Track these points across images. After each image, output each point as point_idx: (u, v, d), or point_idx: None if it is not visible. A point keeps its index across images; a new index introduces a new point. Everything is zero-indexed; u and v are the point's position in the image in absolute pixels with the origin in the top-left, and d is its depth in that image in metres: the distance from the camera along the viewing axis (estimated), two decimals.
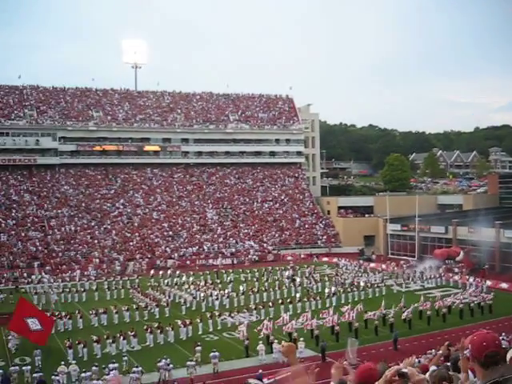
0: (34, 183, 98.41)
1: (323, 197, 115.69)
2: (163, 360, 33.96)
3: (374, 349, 37.07)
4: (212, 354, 35.41)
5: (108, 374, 32.14)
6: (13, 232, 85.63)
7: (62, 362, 33.85)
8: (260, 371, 32.19)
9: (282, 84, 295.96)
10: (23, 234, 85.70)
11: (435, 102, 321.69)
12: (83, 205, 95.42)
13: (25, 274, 73.39)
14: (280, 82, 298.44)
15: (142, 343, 40.73)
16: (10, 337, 41.30)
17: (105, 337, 40.14)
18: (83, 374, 32.06)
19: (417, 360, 29.72)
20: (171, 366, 33.72)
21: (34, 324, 39.58)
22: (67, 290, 60.97)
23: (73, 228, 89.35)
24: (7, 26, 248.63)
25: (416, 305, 48.43)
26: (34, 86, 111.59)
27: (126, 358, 35.25)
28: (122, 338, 39.95)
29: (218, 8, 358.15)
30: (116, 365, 33.72)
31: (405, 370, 4.88)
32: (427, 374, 6.27)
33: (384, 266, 75.80)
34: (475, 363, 4.59)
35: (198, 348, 36.54)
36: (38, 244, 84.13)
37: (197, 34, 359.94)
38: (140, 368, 33.35)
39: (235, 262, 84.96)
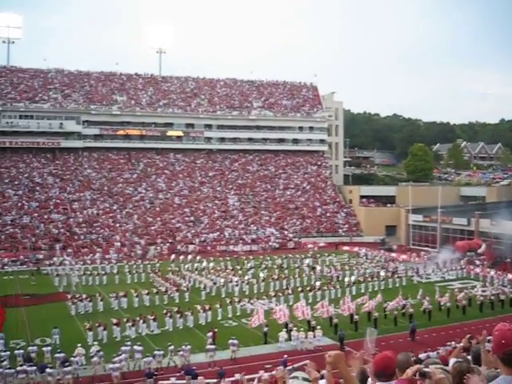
0: (58, 166, 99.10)
1: (345, 185, 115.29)
2: (173, 345, 34.16)
3: (392, 339, 36.93)
4: (230, 340, 35.41)
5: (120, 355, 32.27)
6: (36, 214, 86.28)
7: (79, 344, 33.96)
8: (285, 356, 32.28)
9: (307, 71, 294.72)
10: (46, 217, 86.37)
11: (461, 93, 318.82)
12: (106, 188, 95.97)
13: (40, 256, 74.17)
14: (304, 70, 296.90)
15: (162, 327, 40.89)
16: None
17: (124, 320, 40.32)
18: (95, 359, 32.04)
19: (435, 352, 29.69)
20: (182, 352, 33.66)
21: None
22: (88, 272, 61.36)
23: (95, 211, 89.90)
24: (33, 9, 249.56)
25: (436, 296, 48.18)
26: (58, 70, 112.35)
27: (129, 343, 35.08)
28: (141, 321, 40.14)
29: None
30: (141, 348, 33.94)
31: (426, 370, 4.84)
32: (449, 365, 6.21)
33: (405, 257, 75.65)
34: (496, 357, 4.54)
35: (209, 334, 36.54)
36: (60, 226, 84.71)
37: (222, 20, 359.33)
38: (162, 352, 33.48)
39: (254, 249, 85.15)
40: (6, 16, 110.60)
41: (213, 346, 34.48)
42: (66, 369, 30.44)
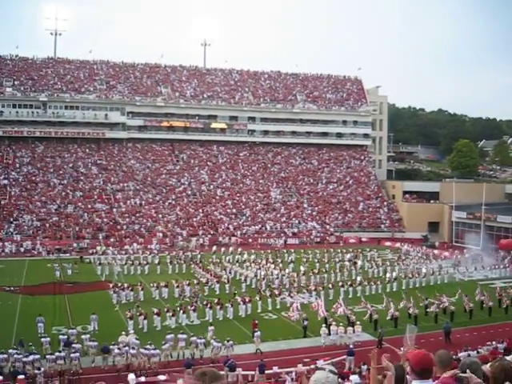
0: (102, 156, 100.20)
1: (388, 180, 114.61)
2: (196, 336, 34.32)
3: (432, 337, 36.57)
4: (255, 333, 35.57)
5: (165, 344, 32.77)
6: (80, 203, 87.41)
7: (123, 332, 34.39)
8: (351, 347, 33.19)
9: (351, 65, 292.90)
10: (90, 206, 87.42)
11: (508, 88, 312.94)
12: (149, 179, 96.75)
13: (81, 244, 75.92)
14: (349, 63, 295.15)
15: (202, 318, 41.08)
16: None
17: (165, 310, 40.66)
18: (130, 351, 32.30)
19: (475, 352, 29.36)
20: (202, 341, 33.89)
21: None
22: (130, 262, 61.90)
23: (138, 202, 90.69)
24: (79, 2, 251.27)
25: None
26: (104, 61, 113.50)
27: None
28: (181, 311, 40.44)
29: None
30: (172, 335, 34.35)
31: (463, 375, 4.79)
32: (488, 365, 6.13)
33: (447, 254, 74.93)
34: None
35: (211, 328, 36.39)
36: (103, 216, 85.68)
37: (267, 12, 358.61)
38: (203, 340, 33.75)
39: (295, 242, 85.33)
40: (53, 8, 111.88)
41: (230, 343, 34.11)
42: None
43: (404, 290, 50.30)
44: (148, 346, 31.98)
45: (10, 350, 30.53)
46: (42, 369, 29.13)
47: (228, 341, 33.59)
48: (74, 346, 31.86)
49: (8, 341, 33.59)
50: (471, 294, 47.32)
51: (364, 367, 27.88)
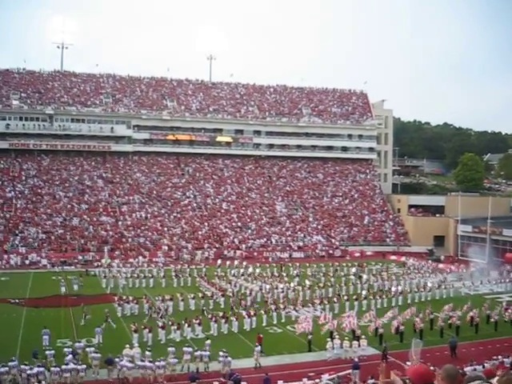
0: (108, 169, 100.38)
1: (394, 194, 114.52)
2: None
3: (438, 351, 36.41)
4: (256, 348, 35.39)
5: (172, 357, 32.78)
6: (85, 216, 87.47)
7: (127, 345, 34.25)
8: (356, 360, 32.74)
9: (357, 79, 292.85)
10: (95, 219, 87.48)
11: None
12: (154, 192, 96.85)
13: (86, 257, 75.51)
14: (354, 77, 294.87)
15: (207, 331, 40.95)
16: None
17: (170, 323, 40.55)
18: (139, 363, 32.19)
19: (481, 366, 29.15)
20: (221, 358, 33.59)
21: None
22: (135, 275, 61.87)
23: (143, 215, 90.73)
24: (86, 14, 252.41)
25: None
26: (110, 75, 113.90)
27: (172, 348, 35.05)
28: (186, 325, 40.31)
29: (294, 1, 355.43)
30: (173, 349, 34.18)
31: None
32: (495, 379, 6.10)
33: (453, 268, 74.66)
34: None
35: (208, 342, 36.30)
36: (108, 229, 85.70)
37: (273, 26, 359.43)
38: (208, 353, 33.65)
39: (300, 256, 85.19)
40: (60, 21, 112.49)
41: (225, 356, 33.92)
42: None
43: (410, 304, 50.13)
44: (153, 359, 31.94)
45: (10, 363, 30.32)
46: (43, 382, 28.87)
47: (226, 356, 33.43)
48: (69, 358, 31.64)
49: (12, 352, 33.46)
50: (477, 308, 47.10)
51: (370, 381, 27.67)
